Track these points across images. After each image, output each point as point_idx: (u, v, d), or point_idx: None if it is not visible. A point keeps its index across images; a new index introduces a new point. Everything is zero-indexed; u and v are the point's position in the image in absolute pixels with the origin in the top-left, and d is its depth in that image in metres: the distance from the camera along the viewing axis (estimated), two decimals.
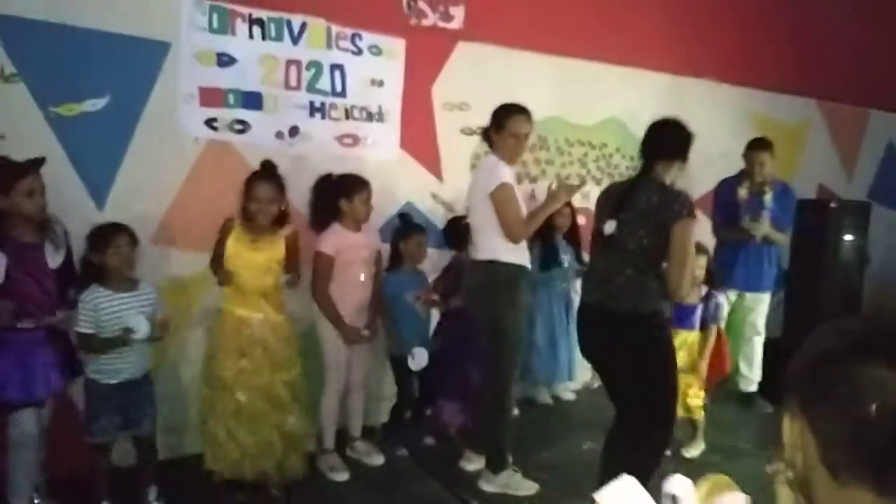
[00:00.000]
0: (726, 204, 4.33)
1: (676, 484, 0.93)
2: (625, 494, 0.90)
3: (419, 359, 3.46)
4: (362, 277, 3.36)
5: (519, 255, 3.13)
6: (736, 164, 4.44)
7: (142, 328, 2.64)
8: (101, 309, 2.65)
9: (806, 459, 0.79)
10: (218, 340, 3.03)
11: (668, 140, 2.77)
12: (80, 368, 2.77)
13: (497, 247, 3.07)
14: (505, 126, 3.11)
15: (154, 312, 2.78)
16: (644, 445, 2.63)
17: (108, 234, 2.70)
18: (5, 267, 2.50)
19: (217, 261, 3.03)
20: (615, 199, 2.72)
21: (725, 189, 4.39)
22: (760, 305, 4.51)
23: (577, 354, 4.54)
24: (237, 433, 2.92)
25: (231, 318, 3.01)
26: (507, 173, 3.07)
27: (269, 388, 2.99)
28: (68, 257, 2.74)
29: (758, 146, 4.27)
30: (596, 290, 2.75)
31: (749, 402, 4.54)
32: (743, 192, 4.24)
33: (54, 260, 2.66)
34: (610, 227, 2.65)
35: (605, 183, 4.70)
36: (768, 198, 4.20)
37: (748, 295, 4.43)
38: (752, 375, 4.57)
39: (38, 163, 2.60)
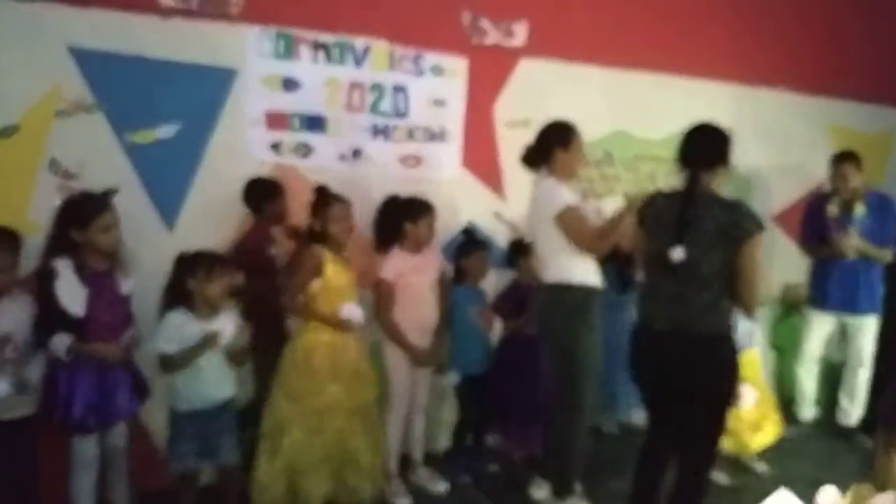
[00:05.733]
0: (815, 220, 4.10)
1: (828, 494, 0.93)
2: None
3: (451, 379, 3.51)
4: (425, 299, 3.31)
5: (591, 276, 3.03)
6: (814, 177, 4.20)
7: (227, 334, 2.69)
8: (182, 331, 2.66)
9: None
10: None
11: (708, 146, 2.65)
12: (148, 392, 2.82)
13: (567, 269, 2.99)
14: (572, 145, 3.07)
15: (232, 341, 2.77)
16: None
17: (212, 265, 2.70)
18: (86, 298, 2.57)
19: (294, 295, 2.97)
20: (673, 221, 2.54)
21: (815, 204, 4.18)
22: (864, 330, 4.12)
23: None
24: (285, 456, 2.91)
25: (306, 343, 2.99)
26: (568, 195, 3.00)
27: (322, 413, 2.95)
28: None
29: (839, 159, 4.04)
30: (666, 315, 2.58)
31: (847, 437, 4.22)
32: (832, 208, 4.00)
33: (125, 286, 2.72)
34: (678, 254, 2.47)
35: None
36: (858, 210, 3.95)
37: (849, 320, 4.10)
38: (852, 409, 4.25)
39: (111, 193, 2.66)
